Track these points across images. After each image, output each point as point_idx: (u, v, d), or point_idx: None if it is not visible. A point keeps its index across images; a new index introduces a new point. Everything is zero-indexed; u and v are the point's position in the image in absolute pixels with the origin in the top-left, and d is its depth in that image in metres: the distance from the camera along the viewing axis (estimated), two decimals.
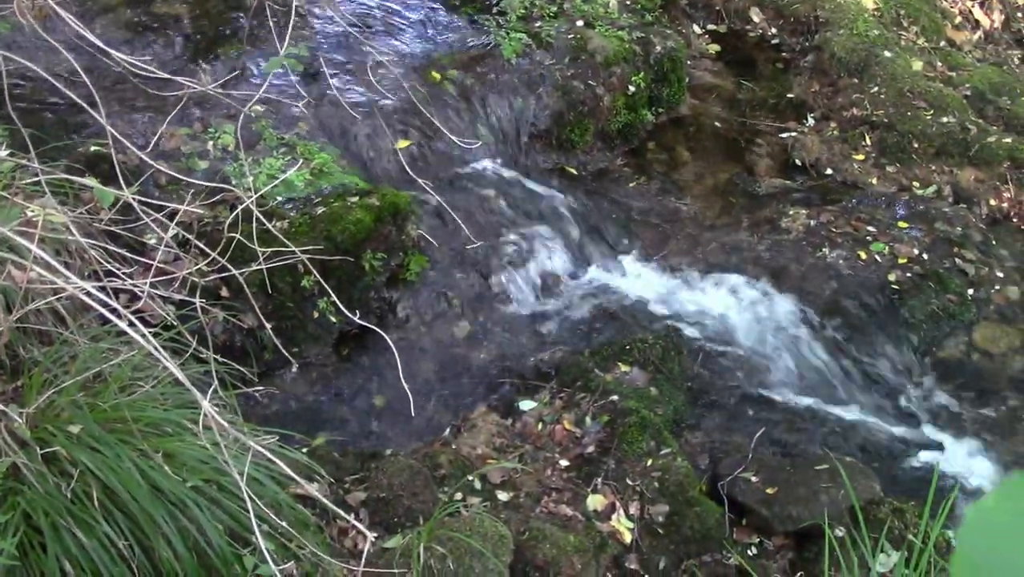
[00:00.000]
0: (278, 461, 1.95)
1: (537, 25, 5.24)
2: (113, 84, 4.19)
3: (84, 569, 2.35)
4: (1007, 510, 0.56)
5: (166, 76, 2.60)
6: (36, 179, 2.42)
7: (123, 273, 2.92)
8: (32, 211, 2.23)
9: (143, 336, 1.69)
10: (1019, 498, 0.57)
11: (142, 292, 2.22)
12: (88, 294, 1.74)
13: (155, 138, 3.55)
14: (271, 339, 3.50)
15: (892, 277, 4.42)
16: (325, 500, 2.22)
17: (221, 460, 2.13)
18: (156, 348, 1.72)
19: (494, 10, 5.30)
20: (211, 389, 2.04)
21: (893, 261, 4.52)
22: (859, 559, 2.86)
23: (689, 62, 5.74)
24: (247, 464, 2.16)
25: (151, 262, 2.62)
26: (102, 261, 2.64)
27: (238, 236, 2.86)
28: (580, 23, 5.32)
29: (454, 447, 3.57)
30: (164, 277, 2.66)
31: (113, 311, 1.78)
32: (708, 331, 4.20)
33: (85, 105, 2.27)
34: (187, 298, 2.56)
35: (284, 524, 2.70)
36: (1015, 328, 4.38)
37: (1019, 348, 4.31)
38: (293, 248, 2.61)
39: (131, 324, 1.77)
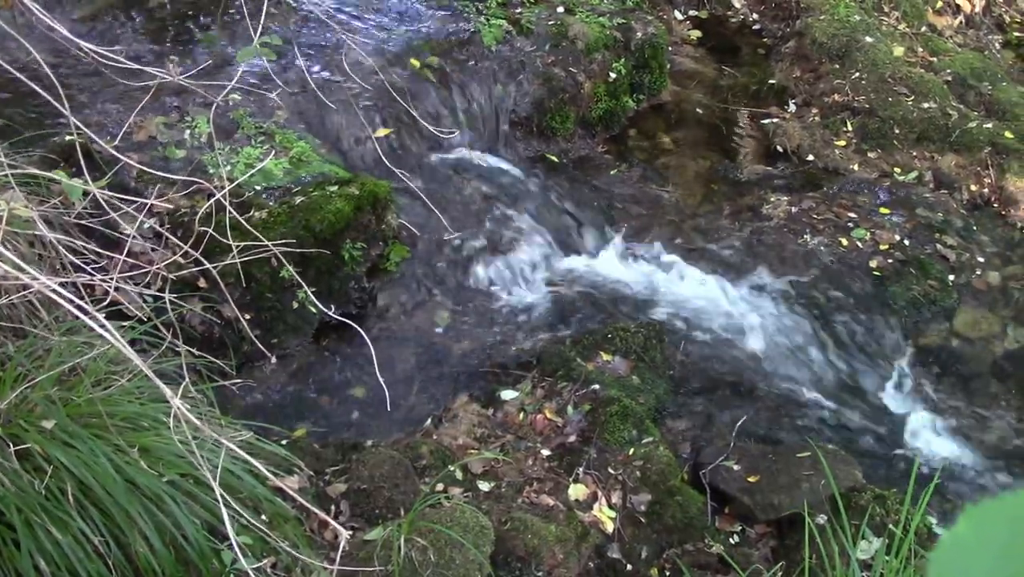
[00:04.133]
0: (251, 459, 1.92)
1: (517, 11, 5.20)
2: (88, 73, 4.13)
3: (59, 566, 2.32)
4: (978, 538, 0.55)
5: (135, 66, 2.56)
6: (5, 172, 2.38)
7: (98, 266, 2.89)
8: None
9: (110, 333, 1.66)
10: (989, 525, 0.56)
11: (111, 287, 2.19)
12: (56, 291, 1.71)
13: (125, 127, 3.50)
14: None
15: (874, 263, 4.43)
16: (299, 496, 2.20)
17: (193, 457, 2.10)
18: (124, 345, 1.70)
19: None
20: (182, 386, 2.01)
21: (875, 247, 4.53)
22: (840, 547, 2.86)
23: (670, 48, 5.72)
24: (221, 458, 2.14)
25: (121, 257, 2.58)
26: (72, 255, 2.60)
27: (211, 230, 2.83)
28: (560, 9, 5.29)
29: (435, 437, 3.55)
30: (137, 272, 2.63)
31: (82, 308, 1.75)
32: (690, 319, 4.19)
33: (50, 97, 2.23)
34: (158, 294, 2.52)
35: (263, 518, 2.68)
36: (995, 313, 4.39)
37: (999, 333, 4.32)
38: (267, 243, 2.58)
39: (98, 321, 1.73)
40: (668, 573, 3.17)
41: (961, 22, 6.26)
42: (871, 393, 4.04)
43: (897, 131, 5.19)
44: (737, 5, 6.32)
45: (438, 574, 2.81)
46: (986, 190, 5.05)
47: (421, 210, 4.31)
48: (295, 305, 3.78)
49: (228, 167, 3.80)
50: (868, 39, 5.58)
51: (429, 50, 4.81)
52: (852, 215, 4.72)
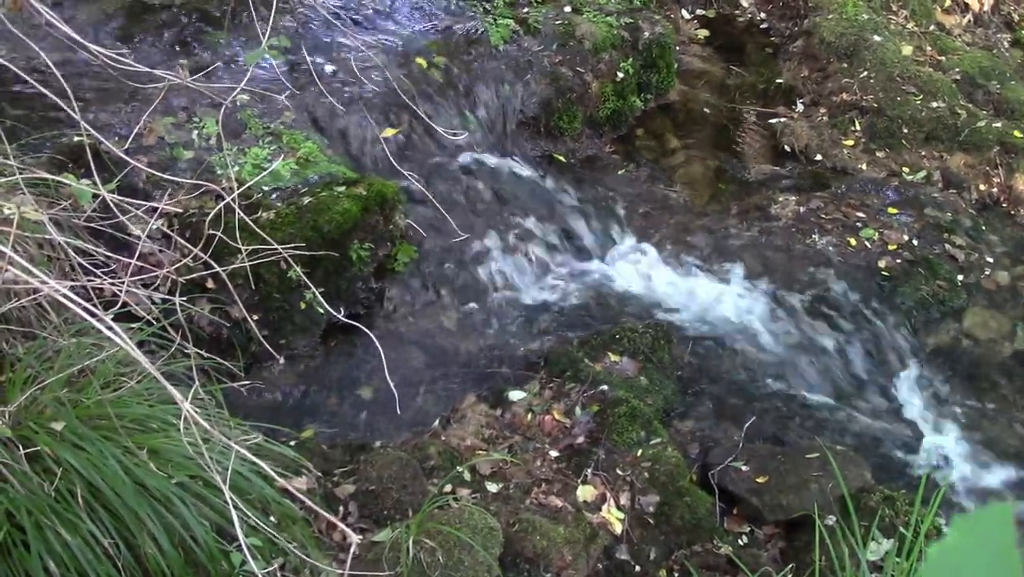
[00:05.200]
0: (260, 462, 1.92)
1: (525, 11, 5.20)
2: (96, 75, 4.14)
3: (68, 568, 2.33)
4: (968, 549, 0.55)
5: (144, 68, 2.56)
6: (15, 175, 2.38)
7: (108, 268, 2.89)
8: (8, 209, 2.19)
9: (119, 335, 1.67)
10: (979, 534, 0.55)
11: (120, 289, 2.19)
12: (65, 295, 1.71)
13: (136, 129, 3.50)
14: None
15: (882, 263, 4.42)
16: (307, 499, 2.20)
17: (203, 461, 2.10)
18: (132, 347, 1.70)
19: None
20: (192, 390, 2.01)
21: (883, 247, 4.51)
22: (850, 548, 2.85)
23: (678, 48, 5.71)
24: (231, 461, 2.14)
25: (130, 260, 2.58)
26: (82, 257, 2.60)
27: (220, 232, 2.83)
28: (568, 8, 5.28)
29: (443, 438, 3.55)
30: (146, 275, 2.63)
31: (91, 311, 1.75)
32: (698, 319, 4.19)
33: (59, 100, 2.24)
34: (167, 296, 2.52)
35: (271, 519, 2.68)
36: (1005, 313, 4.38)
37: (1009, 333, 4.31)
38: (276, 246, 2.58)
39: (106, 323, 1.74)
40: (677, 574, 3.17)
41: (970, 21, 6.24)
42: (880, 393, 4.03)
43: (905, 130, 5.17)
44: (745, 4, 6.31)
45: (446, 576, 2.81)
46: (995, 190, 5.03)
47: (428, 210, 4.30)
48: (303, 306, 3.78)
49: (236, 168, 3.80)
50: (876, 38, 5.57)
51: (436, 50, 4.81)
52: (860, 215, 4.71)
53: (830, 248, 4.50)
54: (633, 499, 3.32)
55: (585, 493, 3.32)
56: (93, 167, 2.41)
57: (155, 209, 2.87)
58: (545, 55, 5.00)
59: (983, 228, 4.79)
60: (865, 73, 5.43)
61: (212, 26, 4.64)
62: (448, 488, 3.26)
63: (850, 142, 5.26)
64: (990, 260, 4.60)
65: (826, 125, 5.37)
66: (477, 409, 3.70)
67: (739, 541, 3.30)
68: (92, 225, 3.05)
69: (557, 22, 5.16)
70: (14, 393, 2.47)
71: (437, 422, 3.70)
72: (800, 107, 5.57)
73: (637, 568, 3.17)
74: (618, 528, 3.24)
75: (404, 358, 3.93)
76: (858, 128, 5.29)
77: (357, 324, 3.32)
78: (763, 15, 6.26)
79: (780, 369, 4.04)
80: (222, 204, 2.74)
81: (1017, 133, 5.08)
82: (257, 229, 2.81)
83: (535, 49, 5.01)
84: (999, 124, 5.14)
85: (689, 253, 4.50)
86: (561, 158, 5.01)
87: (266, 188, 3.85)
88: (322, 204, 3.82)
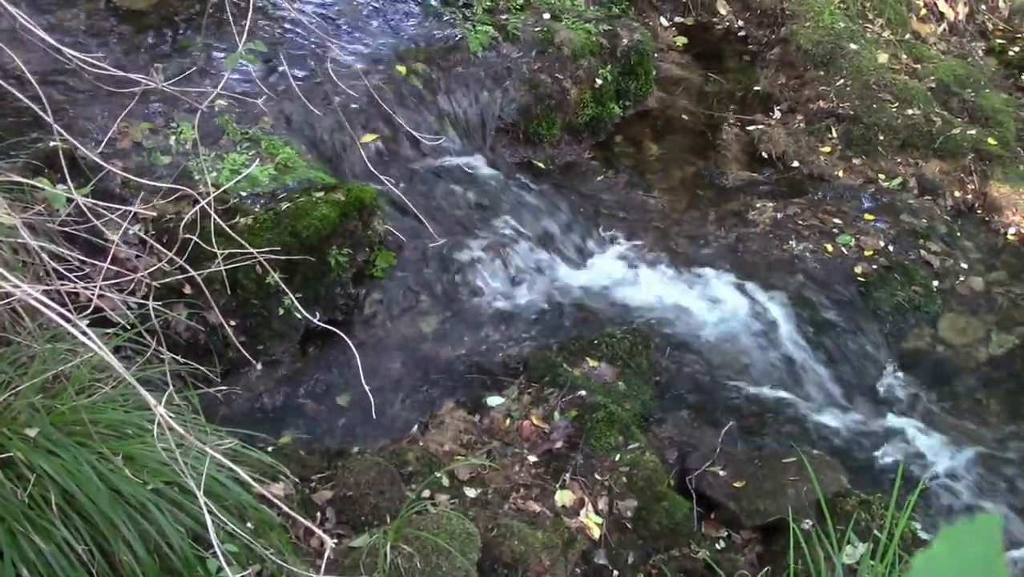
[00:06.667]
0: (235, 467, 1.92)
1: (504, 18, 5.21)
2: (72, 79, 4.12)
3: (42, 575, 2.31)
4: (952, 559, 0.55)
5: (119, 73, 2.55)
6: None
7: (82, 273, 2.87)
8: None
9: (94, 341, 1.66)
10: (964, 546, 0.56)
11: (94, 294, 2.18)
12: (39, 299, 1.70)
13: (110, 134, 3.48)
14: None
15: (858, 269, 4.45)
16: (283, 504, 2.19)
17: (178, 467, 2.09)
18: (107, 353, 1.69)
19: (460, 3, 5.26)
20: (166, 394, 2.00)
21: (859, 253, 4.55)
22: (826, 552, 2.87)
23: (656, 55, 5.74)
24: (206, 466, 2.13)
25: (105, 264, 2.57)
26: (56, 262, 2.59)
27: (196, 237, 2.82)
28: (547, 16, 5.30)
29: (421, 444, 3.54)
30: (121, 279, 2.61)
31: (65, 316, 1.74)
32: (676, 325, 4.20)
33: (32, 104, 2.22)
34: (142, 301, 2.51)
35: (248, 525, 2.67)
36: (979, 319, 4.42)
37: (983, 339, 4.34)
38: (252, 250, 2.57)
39: (81, 328, 1.73)
40: None
41: (945, 29, 6.30)
42: (856, 398, 4.05)
43: (881, 137, 5.22)
44: (723, 12, 6.35)
45: None
46: (970, 196, 5.08)
47: (407, 216, 4.30)
48: (281, 311, 3.76)
49: (213, 173, 3.79)
50: (853, 46, 5.61)
51: (416, 56, 4.81)
52: (837, 221, 4.74)
53: (807, 254, 4.53)
54: (611, 504, 3.33)
55: (563, 498, 3.32)
56: (67, 172, 2.39)
57: (130, 214, 2.85)
58: (524, 62, 5.02)
59: (958, 234, 4.83)
60: (842, 81, 5.48)
61: (189, 31, 4.62)
62: (426, 493, 3.25)
63: (827, 149, 5.30)
64: (965, 266, 4.64)
65: (803, 132, 5.40)
66: (456, 415, 3.70)
67: (716, 545, 3.31)
68: (67, 229, 3.03)
69: (536, 29, 5.17)
70: None
71: (415, 428, 3.69)
72: (777, 114, 5.61)
73: (615, 573, 3.17)
74: (596, 533, 3.24)
75: (383, 364, 3.92)
76: (835, 135, 5.33)
77: (335, 330, 3.30)
78: (741, 23, 6.30)
79: (757, 374, 4.05)
80: (197, 208, 2.72)
81: (991, 140, 5.14)
82: (234, 234, 2.80)
83: (514, 56, 5.02)
84: (973, 131, 5.19)
85: (667, 259, 4.51)
86: (540, 164, 5.02)
87: (244, 193, 3.83)
88: (300, 209, 3.81)
